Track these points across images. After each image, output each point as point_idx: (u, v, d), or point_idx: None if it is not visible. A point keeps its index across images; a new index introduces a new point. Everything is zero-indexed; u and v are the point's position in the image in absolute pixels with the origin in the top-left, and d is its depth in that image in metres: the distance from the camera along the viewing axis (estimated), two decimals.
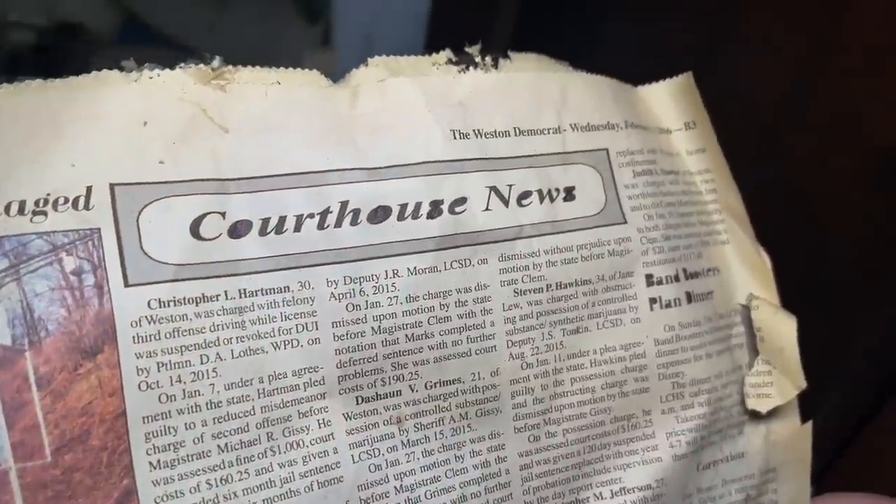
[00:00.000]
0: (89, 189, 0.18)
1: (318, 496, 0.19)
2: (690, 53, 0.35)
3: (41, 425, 0.17)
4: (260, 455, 0.19)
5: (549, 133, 0.23)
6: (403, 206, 0.21)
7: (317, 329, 0.20)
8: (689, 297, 0.25)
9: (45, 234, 0.17)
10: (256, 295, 0.19)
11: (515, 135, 0.23)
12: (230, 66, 0.20)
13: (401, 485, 0.21)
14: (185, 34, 0.51)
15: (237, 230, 0.19)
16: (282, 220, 0.20)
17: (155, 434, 0.18)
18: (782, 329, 0.25)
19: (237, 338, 0.19)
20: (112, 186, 0.18)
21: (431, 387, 0.21)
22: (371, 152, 0.21)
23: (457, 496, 0.21)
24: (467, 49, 0.23)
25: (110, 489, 0.17)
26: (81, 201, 0.18)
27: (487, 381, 0.22)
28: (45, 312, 0.17)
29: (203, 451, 0.18)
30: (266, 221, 0.19)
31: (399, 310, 0.20)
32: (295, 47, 0.53)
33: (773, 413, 0.26)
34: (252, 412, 0.19)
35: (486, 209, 0.22)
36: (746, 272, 0.26)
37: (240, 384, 0.19)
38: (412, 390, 0.21)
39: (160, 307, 0.18)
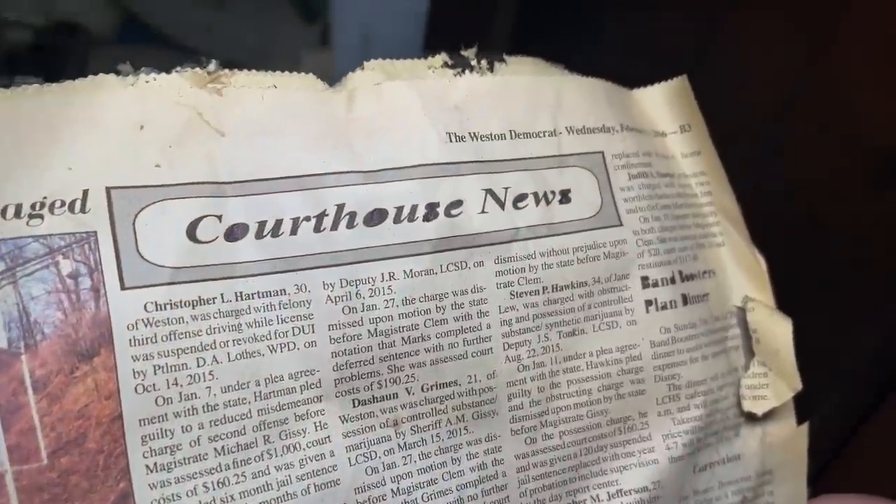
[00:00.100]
0: (86, 192, 0.18)
1: (315, 499, 0.20)
2: (688, 54, 0.35)
3: (37, 428, 0.17)
4: (257, 458, 0.19)
5: (544, 136, 0.23)
6: (399, 209, 0.21)
7: (313, 332, 0.20)
8: (685, 300, 0.25)
9: (41, 237, 0.17)
10: (253, 298, 0.19)
11: (511, 138, 0.23)
12: (226, 70, 0.20)
13: (398, 487, 0.21)
14: (183, 34, 0.51)
15: (233, 233, 0.19)
16: (278, 223, 0.20)
17: (151, 437, 0.18)
18: (778, 331, 0.25)
19: (234, 340, 0.19)
20: (108, 190, 0.18)
21: (428, 389, 0.21)
22: (367, 155, 0.21)
23: (454, 499, 0.21)
24: (463, 52, 0.23)
25: (107, 492, 0.17)
26: (78, 204, 0.18)
27: (484, 383, 0.22)
28: (42, 315, 0.17)
29: (200, 454, 0.18)
30: (262, 224, 0.19)
31: (395, 312, 0.20)
32: (293, 47, 0.53)
33: (769, 415, 0.26)
34: (249, 415, 0.19)
35: (482, 212, 0.22)
36: (742, 274, 0.27)
37: (236, 387, 0.19)
38: (409, 393, 0.21)
39: (156, 310, 0.18)
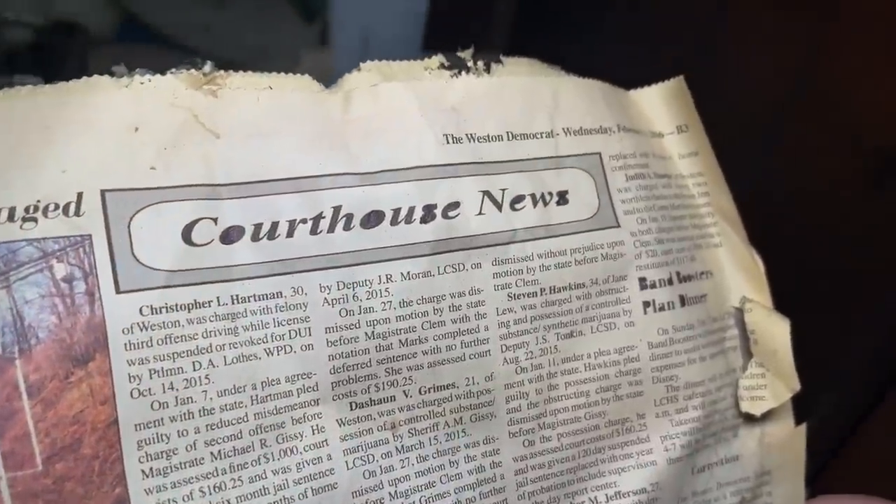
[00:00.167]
0: (80, 195, 0.18)
1: (313, 503, 0.19)
2: (687, 54, 0.35)
3: (32, 434, 0.16)
4: (253, 462, 0.19)
5: (541, 137, 0.23)
6: (396, 211, 0.21)
7: (310, 335, 0.19)
8: (683, 301, 0.25)
9: (35, 240, 0.17)
10: (249, 301, 0.19)
11: (508, 139, 0.23)
12: (222, 71, 0.20)
13: (395, 491, 0.21)
14: (183, 34, 0.51)
15: (229, 236, 0.19)
16: (274, 225, 0.19)
17: (147, 442, 0.18)
18: (776, 331, 0.25)
19: (230, 344, 0.19)
20: (103, 192, 0.18)
21: (425, 392, 0.21)
22: (364, 157, 0.21)
23: (452, 501, 0.21)
24: (460, 53, 0.23)
25: (102, 498, 0.17)
26: (72, 207, 0.18)
27: (482, 385, 0.22)
28: (36, 320, 0.17)
29: (196, 459, 0.18)
30: (258, 227, 0.19)
31: (393, 315, 0.20)
32: (292, 47, 0.53)
33: (768, 415, 0.26)
34: (245, 419, 0.19)
35: (480, 213, 0.22)
36: (739, 275, 0.26)
37: (233, 391, 0.19)
38: (406, 396, 0.21)
39: (152, 314, 0.18)
